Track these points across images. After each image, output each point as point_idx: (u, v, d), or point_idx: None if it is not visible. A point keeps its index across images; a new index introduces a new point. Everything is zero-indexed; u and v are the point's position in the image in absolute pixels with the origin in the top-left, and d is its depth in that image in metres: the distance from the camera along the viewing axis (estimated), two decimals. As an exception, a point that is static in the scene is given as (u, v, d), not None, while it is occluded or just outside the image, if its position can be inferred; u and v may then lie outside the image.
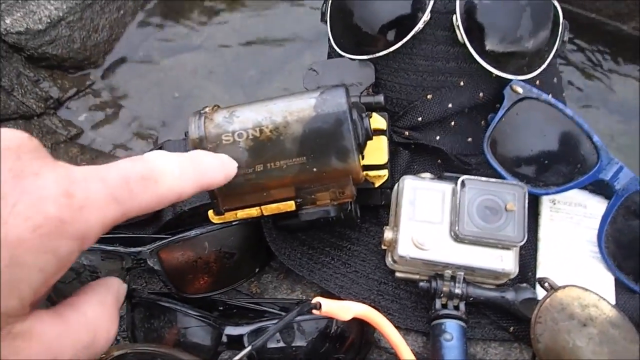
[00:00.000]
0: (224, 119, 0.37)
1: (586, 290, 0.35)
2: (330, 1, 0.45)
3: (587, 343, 0.34)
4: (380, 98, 0.42)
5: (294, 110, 0.36)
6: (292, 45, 0.74)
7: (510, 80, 0.41)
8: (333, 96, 0.36)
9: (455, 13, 0.40)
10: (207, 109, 0.38)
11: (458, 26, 0.40)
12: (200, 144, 0.36)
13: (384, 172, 0.41)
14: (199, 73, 0.74)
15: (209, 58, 0.75)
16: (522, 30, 0.40)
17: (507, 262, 0.37)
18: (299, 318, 0.35)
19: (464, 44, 0.41)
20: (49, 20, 0.64)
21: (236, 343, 0.33)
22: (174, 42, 0.75)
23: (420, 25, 0.41)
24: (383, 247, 0.40)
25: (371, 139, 0.38)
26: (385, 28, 0.42)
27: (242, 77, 0.76)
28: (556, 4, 0.41)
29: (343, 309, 0.33)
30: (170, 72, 0.72)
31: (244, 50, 0.76)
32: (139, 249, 0.36)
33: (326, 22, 0.46)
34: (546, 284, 0.36)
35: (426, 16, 0.41)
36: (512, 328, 0.39)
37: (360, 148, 0.37)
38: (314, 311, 0.31)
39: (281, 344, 0.35)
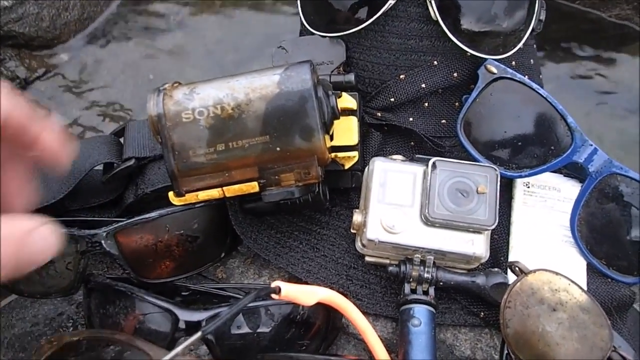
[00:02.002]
0: (184, 96, 0.35)
1: (557, 274, 0.34)
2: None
3: (556, 328, 0.33)
4: (351, 77, 0.40)
5: (256, 87, 0.34)
6: (274, 28, 0.72)
7: (485, 59, 0.40)
8: (297, 72, 0.34)
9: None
10: (166, 86, 0.36)
11: (430, 2, 0.39)
12: (159, 121, 0.34)
13: (354, 154, 0.39)
14: (175, 55, 0.72)
15: (187, 40, 0.73)
16: (497, 8, 0.38)
17: (478, 246, 0.36)
18: (262, 303, 0.34)
19: (437, 21, 0.39)
20: (16, -4, 0.62)
21: (194, 329, 0.31)
22: (150, 23, 0.73)
23: (391, 1, 0.39)
24: (352, 230, 0.39)
25: (338, 117, 0.36)
26: (356, 5, 0.41)
27: (221, 60, 0.74)
28: (531, -21, 0.39)
29: (305, 294, 0.31)
30: (145, 53, 0.70)
31: (223, 32, 0.74)
32: (95, 231, 0.35)
33: None
34: (516, 268, 0.35)
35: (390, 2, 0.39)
36: (482, 313, 0.38)
37: (326, 127, 0.35)
38: (273, 296, 0.29)
39: (244, 330, 0.34)
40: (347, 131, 0.39)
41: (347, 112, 0.39)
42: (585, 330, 0.33)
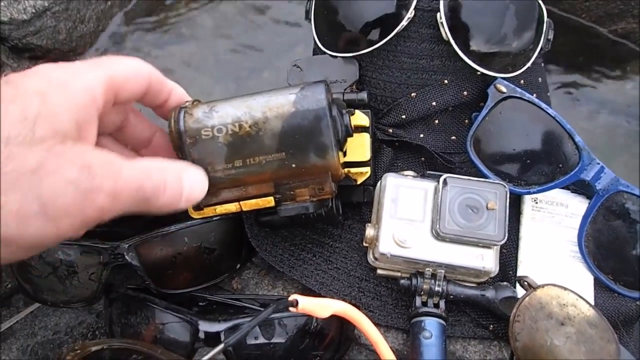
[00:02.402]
0: (204, 114, 0.36)
1: (565, 289, 0.35)
2: (312, 8, 0.45)
3: (564, 342, 0.34)
4: (364, 95, 0.42)
5: (273, 106, 0.35)
6: (286, 39, 0.73)
7: (495, 78, 0.41)
8: (313, 92, 0.35)
9: (439, 11, 0.40)
10: (187, 104, 0.37)
11: (442, 24, 0.40)
12: (179, 138, 0.36)
13: (366, 169, 0.40)
14: (188, 65, 0.73)
15: (199, 49, 0.74)
16: (506, 28, 0.40)
17: (487, 260, 0.37)
18: (278, 315, 0.35)
19: (449, 41, 0.40)
20: (33, 10, 0.63)
21: (213, 340, 0.33)
22: (163, 33, 0.74)
23: (404, 22, 0.41)
24: (365, 244, 0.40)
25: (351, 135, 0.38)
26: (369, 26, 0.42)
27: (234, 69, 0.75)
28: (540, 2, 0.41)
29: (321, 307, 0.32)
30: (158, 63, 0.71)
31: (236, 42, 0.75)
32: (117, 243, 0.36)
33: (310, 20, 0.46)
34: (525, 283, 0.36)
35: (410, 14, 0.41)
36: (491, 326, 0.39)
37: (340, 145, 0.36)
38: (291, 309, 0.30)
39: (260, 341, 0.35)
40: (359, 147, 0.40)
41: (360, 129, 0.41)
42: (592, 344, 0.34)
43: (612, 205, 0.38)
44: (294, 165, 0.35)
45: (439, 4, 0.40)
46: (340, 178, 0.38)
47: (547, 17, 0.41)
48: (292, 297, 0.31)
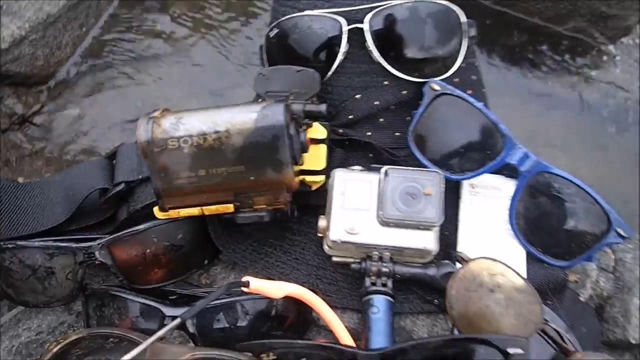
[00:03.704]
0: (171, 125, 0.40)
1: (495, 261, 0.39)
2: (264, 50, 0.50)
3: (495, 307, 0.38)
4: (323, 108, 0.45)
5: (236, 122, 0.39)
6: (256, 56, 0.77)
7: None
8: (273, 112, 0.39)
9: (365, 40, 0.45)
10: (156, 113, 0.41)
11: (371, 51, 0.45)
12: (147, 147, 0.39)
13: (321, 178, 0.44)
14: (164, 82, 0.77)
15: (174, 68, 0.78)
16: (428, 40, 0.45)
17: (428, 241, 0.41)
18: (240, 298, 0.39)
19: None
20: (12, 39, 0.67)
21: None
22: (138, 53, 0.78)
23: (340, 57, 0.46)
24: (319, 234, 0.44)
25: (306, 151, 0.41)
26: (317, 51, 0.47)
27: (209, 86, 0.79)
28: (453, 7, 0.45)
29: (274, 288, 0.36)
30: (134, 82, 0.76)
31: (211, 59, 0.79)
32: (90, 243, 0.39)
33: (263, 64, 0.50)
34: (460, 258, 0.40)
35: (344, 48, 0.46)
36: (436, 301, 0.43)
37: (295, 160, 0.40)
38: (244, 288, 0.34)
39: (224, 325, 0.39)
40: (316, 157, 0.44)
41: (318, 141, 0.44)
42: (520, 307, 0.38)
43: (535, 185, 0.42)
44: (252, 178, 0.39)
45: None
46: (295, 189, 0.41)
47: (468, 17, 0.46)
48: (245, 278, 0.34)
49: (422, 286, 0.43)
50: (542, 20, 0.83)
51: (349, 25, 0.45)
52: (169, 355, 0.32)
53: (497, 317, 0.38)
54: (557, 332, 0.39)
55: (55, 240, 0.40)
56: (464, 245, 0.44)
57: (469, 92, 0.48)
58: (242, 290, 0.35)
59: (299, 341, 0.35)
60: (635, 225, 0.67)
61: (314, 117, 0.45)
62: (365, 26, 0.44)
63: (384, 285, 0.41)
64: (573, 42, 0.83)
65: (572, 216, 0.42)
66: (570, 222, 0.42)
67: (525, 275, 0.42)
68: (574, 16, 0.83)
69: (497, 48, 0.80)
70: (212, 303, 0.36)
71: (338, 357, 0.34)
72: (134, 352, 0.28)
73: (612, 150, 0.76)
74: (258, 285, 0.35)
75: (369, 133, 0.48)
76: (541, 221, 0.42)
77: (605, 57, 0.84)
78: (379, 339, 0.39)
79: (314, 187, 0.45)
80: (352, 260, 0.43)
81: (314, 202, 0.45)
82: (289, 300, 0.40)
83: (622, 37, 0.85)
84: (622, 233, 0.40)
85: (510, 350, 0.32)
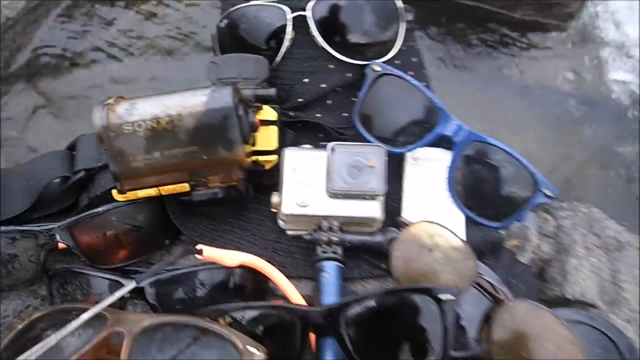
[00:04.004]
0: (125, 111, 0.42)
1: (433, 223, 0.42)
2: (216, 40, 0.52)
3: (434, 264, 0.41)
4: (272, 92, 0.48)
5: (187, 105, 0.42)
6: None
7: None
8: (222, 95, 0.41)
9: (309, 27, 0.48)
10: (110, 100, 0.43)
11: (315, 37, 0.48)
12: (103, 132, 0.42)
13: (274, 157, 0.47)
14: (122, 83, 0.79)
15: (132, 68, 0.80)
16: (367, 25, 0.49)
17: (374, 210, 0.45)
18: (198, 268, 0.41)
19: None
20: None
21: (140, 293, 0.38)
22: (95, 54, 0.79)
23: (287, 43, 0.49)
24: (272, 210, 0.46)
25: (256, 131, 0.44)
26: (266, 40, 0.50)
27: (170, 85, 0.81)
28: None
29: (227, 256, 0.39)
30: (93, 83, 0.77)
31: (169, 57, 0.81)
32: (51, 225, 0.41)
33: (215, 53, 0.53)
34: (402, 223, 0.43)
35: (289, 35, 0.49)
36: (384, 265, 0.46)
37: (245, 139, 0.42)
38: (197, 256, 0.37)
39: (184, 296, 0.41)
40: (267, 138, 0.47)
41: (268, 122, 0.47)
42: (456, 264, 0.41)
43: (470, 153, 0.46)
44: (205, 157, 0.42)
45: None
46: (247, 167, 0.44)
47: (405, 3, 0.49)
48: (199, 246, 0.37)
49: (371, 253, 0.46)
50: (495, 7, 0.88)
51: (292, 13, 0.48)
52: (130, 323, 0.35)
53: (436, 274, 0.41)
54: (491, 284, 0.42)
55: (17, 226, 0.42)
56: (408, 213, 0.47)
57: (410, 73, 0.52)
58: (197, 258, 0.37)
59: (252, 303, 0.38)
60: (569, 191, 0.73)
61: (265, 101, 0.48)
62: (308, 13, 0.47)
63: (335, 252, 0.44)
64: (521, 27, 0.89)
65: (503, 181, 0.45)
66: (502, 186, 0.45)
67: (464, 237, 0.45)
68: (521, 5, 0.89)
69: (448, 33, 0.84)
70: (170, 274, 0.38)
71: (289, 316, 0.37)
72: (87, 315, 0.30)
73: (559, 128, 0.81)
74: (211, 253, 0.37)
75: (319, 114, 0.51)
76: (476, 187, 0.46)
77: (550, 42, 0.90)
78: (329, 300, 0.41)
79: (267, 167, 0.47)
80: (305, 232, 0.46)
81: (268, 181, 0.48)
82: (246, 270, 0.42)
83: (566, 21, 0.91)
84: (548, 193, 0.44)
85: (442, 297, 0.35)
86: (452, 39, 0.85)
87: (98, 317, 0.36)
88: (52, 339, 0.31)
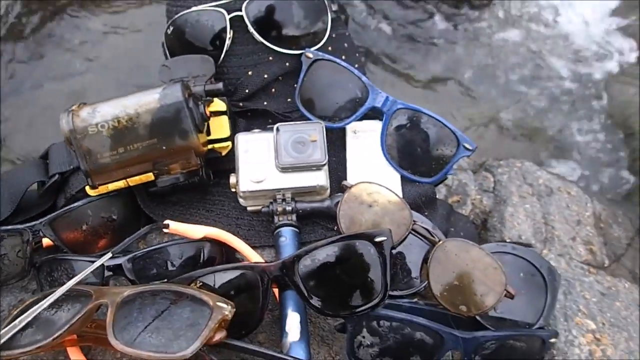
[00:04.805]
0: (88, 114, 0.48)
1: (371, 183, 0.48)
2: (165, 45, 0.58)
3: (374, 217, 0.47)
4: (220, 85, 0.53)
5: (143, 103, 0.47)
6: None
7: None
8: (172, 91, 0.47)
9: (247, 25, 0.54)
10: (74, 107, 0.48)
11: (252, 33, 0.54)
12: (71, 135, 0.47)
13: (228, 144, 0.52)
14: (88, 94, 0.83)
15: (96, 78, 0.84)
16: (298, 18, 0.55)
17: (320, 179, 0.51)
18: (170, 243, 0.46)
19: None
20: None
21: (119, 270, 0.44)
22: (58, 71, 0.84)
23: (228, 42, 0.55)
24: (232, 189, 0.52)
25: (207, 120, 0.50)
26: (211, 41, 0.56)
27: (146, 82, 0.85)
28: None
29: (192, 230, 0.44)
30: (58, 97, 0.82)
31: (134, 64, 0.85)
32: (34, 222, 0.46)
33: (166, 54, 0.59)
34: (345, 186, 0.49)
35: (229, 34, 0.55)
36: (335, 227, 0.52)
37: (198, 128, 0.48)
38: (165, 230, 0.42)
39: (159, 270, 0.46)
40: (220, 127, 0.52)
41: (219, 113, 0.53)
42: (393, 214, 0.47)
43: (395, 120, 0.52)
44: (164, 148, 0.47)
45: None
46: (203, 153, 0.49)
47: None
48: (165, 221, 0.42)
49: (324, 217, 0.52)
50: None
51: (229, 14, 0.54)
52: (112, 295, 0.40)
53: (377, 225, 0.47)
54: (427, 230, 0.48)
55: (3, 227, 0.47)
56: (353, 179, 0.53)
57: (343, 57, 0.58)
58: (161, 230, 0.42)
59: (218, 266, 0.43)
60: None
61: (214, 94, 0.53)
62: (243, 13, 0.53)
63: (290, 219, 0.50)
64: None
65: (430, 141, 0.52)
66: (429, 146, 0.52)
67: (401, 193, 0.52)
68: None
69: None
70: (145, 250, 0.44)
71: (251, 272, 0.43)
72: (65, 288, 0.35)
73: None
74: (177, 226, 0.43)
75: (265, 102, 0.57)
76: (408, 149, 0.52)
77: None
78: (287, 260, 0.47)
79: (224, 153, 0.53)
80: (262, 206, 0.52)
81: (226, 166, 0.54)
82: (214, 244, 0.48)
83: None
84: (468, 146, 0.50)
85: (377, 239, 0.41)
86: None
87: (84, 294, 0.42)
88: (34, 310, 0.36)
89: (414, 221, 0.48)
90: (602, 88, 0.89)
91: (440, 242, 0.47)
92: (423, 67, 0.87)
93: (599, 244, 0.64)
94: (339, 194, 0.52)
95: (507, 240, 0.61)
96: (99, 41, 0.86)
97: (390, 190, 0.48)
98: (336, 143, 0.55)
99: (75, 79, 0.83)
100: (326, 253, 0.43)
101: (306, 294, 0.42)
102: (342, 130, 0.55)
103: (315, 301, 0.42)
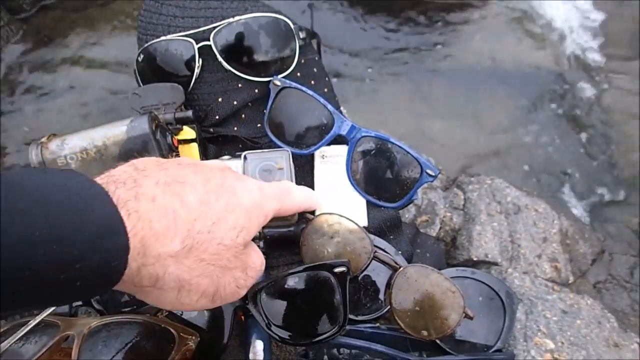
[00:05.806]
0: (57, 147, 0.49)
1: (332, 214, 0.50)
2: (136, 73, 0.59)
3: (335, 248, 0.49)
4: (189, 113, 0.55)
5: (110, 135, 0.48)
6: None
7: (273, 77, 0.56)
8: (139, 123, 0.48)
9: (215, 54, 0.55)
10: (43, 139, 0.49)
11: (221, 62, 0.55)
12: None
13: None
14: (70, 112, 0.84)
15: (78, 97, 0.86)
16: (265, 46, 0.55)
17: (286, 205, 0.52)
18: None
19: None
20: None
21: (87, 302, 0.45)
22: (41, 90, 0.85)
23: (197, 71, 0.56)
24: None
25: (174, 150, 0.51)
26: (182, 66, 0.57)
27: (120, 108, 0.87)
28: (281, 17, 0.56)
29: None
30: (42, 116, 0.83)
31: (117, 83, 0.87)
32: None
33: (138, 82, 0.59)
34: (306, 218, 0.51)
35: (198, 63, 0.56)
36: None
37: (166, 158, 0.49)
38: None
39: (127, 298, 0.47)
40: (190, 155, 0.54)
41: (189, 141, 0.54)
42: (354, 244, 0.49)
43: (363, 147, 0.53)
44: None
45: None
46: None
47: (294, 24, 0.57)
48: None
49: (291, 243, 0.53)
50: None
51: (197, 44, 0.55)
52: (79, 326, 0.41)
53: (339, 256, 0.49)
54: (389, 255, 0.50)
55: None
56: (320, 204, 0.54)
57: (312, 82, 0.59)
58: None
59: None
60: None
61: (184, 122, 0.54)
62: (211, 42, 0.54)
63: (258, 245, 0.51)
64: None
65: (394, 167, 0.53)
66: (394, 172, 0.53)
67: (366, 219, 0.53)
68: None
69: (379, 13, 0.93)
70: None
71: (215, 303, 0.44)
72: (33, 323, 0.37)
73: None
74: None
75: (235, 128, 0.58)
76: (373, 175, 0.54)
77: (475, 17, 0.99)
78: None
79: None
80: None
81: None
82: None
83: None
84: (431, 172, 0.52)
85: (337, 270, 0.43)
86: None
87: (52, 326, 0.43)
88: (4, 345, 0.37)
89: (376, 248, 0.50)
90: (577, 101, 0.91)
91: (401, 269, 0.48)
92: (392, 87, 0.89)
93: (564, 260, 0.66)
94: (304, 220, 0.53)
95: (474, 259, 0.63)
96: (72, 68, 0.87)
97: (351, 220, 0.50)
98: (305, 167, 0.57)
99: (58, 98, 0.84)
100: (287, 284, 0.44)
101: (266, 323, 0.43)
102: (311, 155, 0.57)
103: (275, 330, 0.43)
